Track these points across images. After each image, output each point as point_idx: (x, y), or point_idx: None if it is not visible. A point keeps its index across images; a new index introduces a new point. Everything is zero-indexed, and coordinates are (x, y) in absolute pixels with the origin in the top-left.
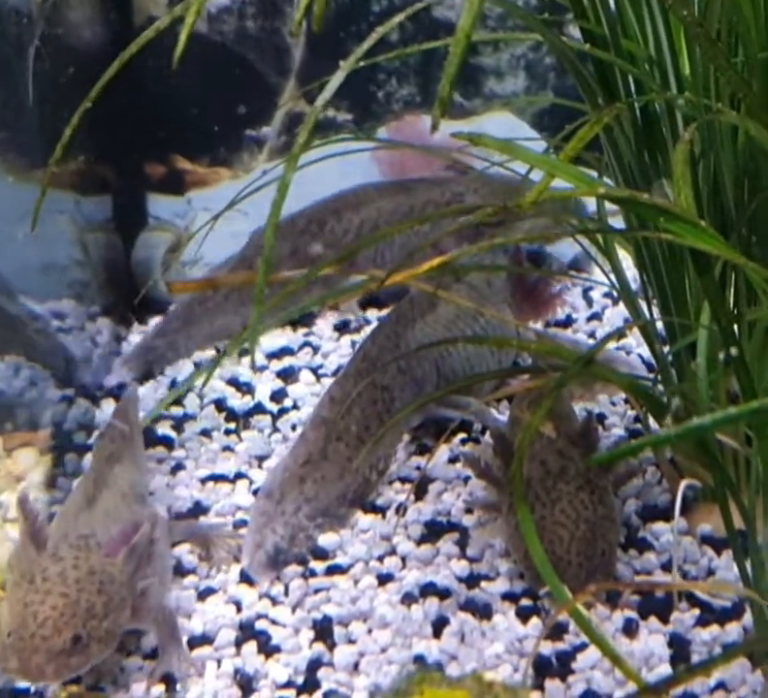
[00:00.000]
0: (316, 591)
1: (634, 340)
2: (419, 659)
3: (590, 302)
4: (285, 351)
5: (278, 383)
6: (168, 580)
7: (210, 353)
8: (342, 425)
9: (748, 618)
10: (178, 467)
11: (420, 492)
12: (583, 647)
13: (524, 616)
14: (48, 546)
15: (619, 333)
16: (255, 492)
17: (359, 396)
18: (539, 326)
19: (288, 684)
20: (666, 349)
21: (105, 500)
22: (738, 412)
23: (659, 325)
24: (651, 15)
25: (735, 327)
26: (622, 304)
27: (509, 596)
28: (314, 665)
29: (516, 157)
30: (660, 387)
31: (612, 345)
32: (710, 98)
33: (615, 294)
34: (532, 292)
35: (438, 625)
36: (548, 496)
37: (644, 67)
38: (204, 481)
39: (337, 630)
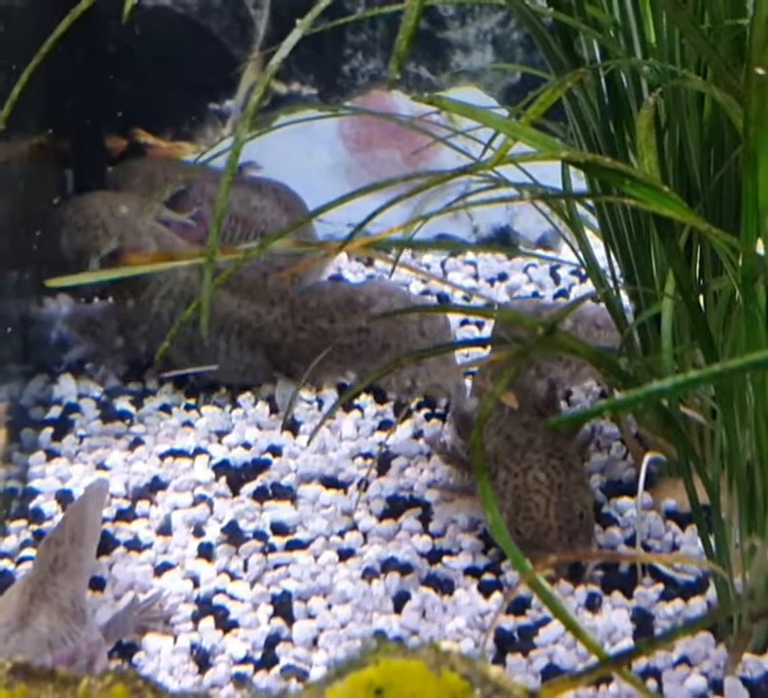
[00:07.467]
0: (276, 567)
1: None
2: (379, 634)
3: (557, 280)
4: None
5: None
6: None
7: None
8: None
9: (711, 592)
10: (137, 443)
11: (383, 468)
12: (545, 622)
13: (486, 591)
14: None
15: (582, 302)
16: (215, 468)
17: None
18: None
19: (246, 660)
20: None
21: (41, 618)
22: (698, 376)
23: (627, 301)
24: None
25: (701, 298)
26: (589, 282)
27: (471, 571)
28: (273, 641)
29: (478, 121)
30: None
31: None
32: (675, 64)
33: (582, 272)
34: None
35: (399, 601)
36: (518, 466)
37: (609, 33)
38: (162, 456)
39: (297, 606)
